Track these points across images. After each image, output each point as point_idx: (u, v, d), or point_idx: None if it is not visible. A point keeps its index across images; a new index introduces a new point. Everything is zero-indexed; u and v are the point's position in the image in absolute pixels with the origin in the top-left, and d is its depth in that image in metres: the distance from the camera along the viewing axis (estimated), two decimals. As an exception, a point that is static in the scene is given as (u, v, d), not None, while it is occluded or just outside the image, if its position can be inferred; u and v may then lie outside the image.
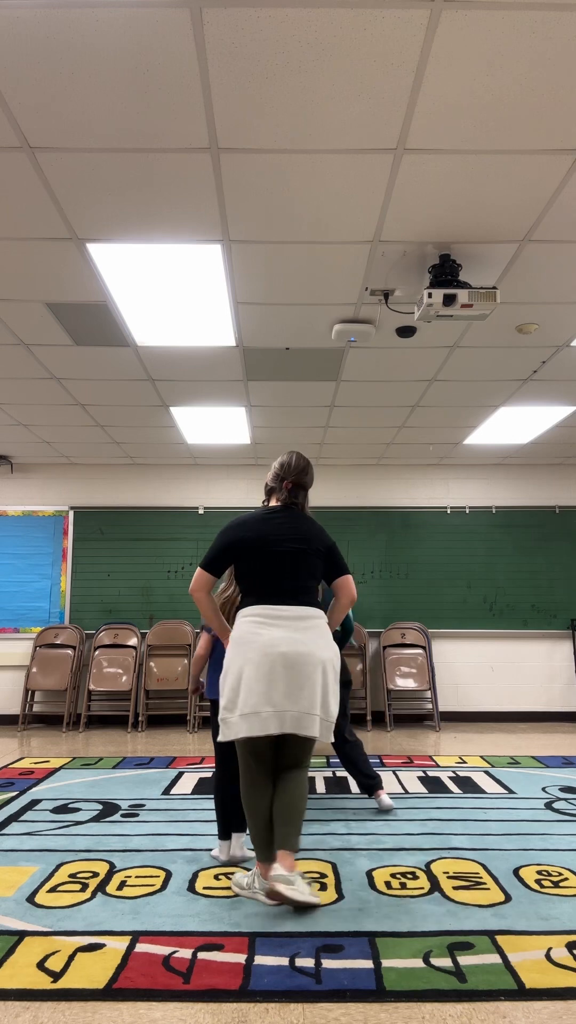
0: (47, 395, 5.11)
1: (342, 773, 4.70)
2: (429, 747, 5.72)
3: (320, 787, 4.34)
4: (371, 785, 3.85)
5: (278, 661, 2.63)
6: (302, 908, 2.57)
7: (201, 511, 7.31)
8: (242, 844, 3.11)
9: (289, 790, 2.71)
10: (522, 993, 2.04)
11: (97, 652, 6.88)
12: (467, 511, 7.36)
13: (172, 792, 4.27)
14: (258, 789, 2.73)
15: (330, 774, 4.69)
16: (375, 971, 2.16)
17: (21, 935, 2.42)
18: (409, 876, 2.92)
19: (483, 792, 4.25)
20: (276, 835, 2.65)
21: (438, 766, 4.94)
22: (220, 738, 2.72)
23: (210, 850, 3.21)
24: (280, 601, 2.76)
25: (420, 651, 6.93)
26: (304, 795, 2.73)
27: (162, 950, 2.31)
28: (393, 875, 2.93)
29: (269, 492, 3.04)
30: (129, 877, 2.93)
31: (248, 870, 2.92)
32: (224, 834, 3.09)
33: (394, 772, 4.74)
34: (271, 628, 2.70)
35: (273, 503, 3.00)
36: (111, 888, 2.81)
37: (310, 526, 2.91)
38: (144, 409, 5.45)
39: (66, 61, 2.05)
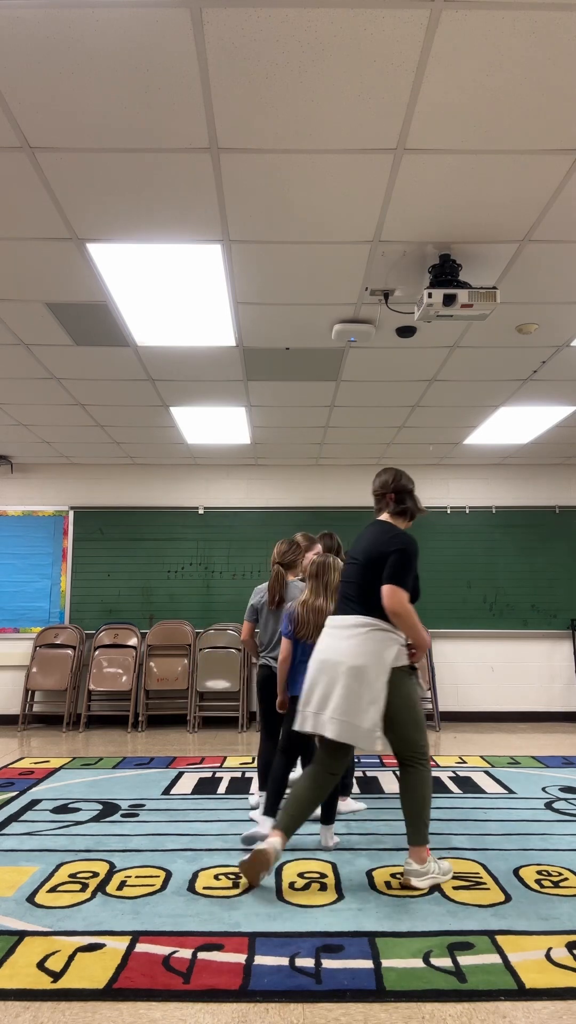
0: (47, 395, 5.11)
1: (342, 773, 4.70)
2: (429, 747, 5.71)
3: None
4: (345, 784, 3.86)
5: (316, 666, 2.92)
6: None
7: (201, 511, 7.31)
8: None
9: (411, 791, 2.91)
10: (522, 993, 2.04)
11: (97, 652, 6.88)
12: (467, 511, 7.36)
13: (172, 792, 4.27)
14: (315, 774, 2.96)
15: (330, 774, 4.69)
16: (375, 971, 2.16)
17: (21, 935, 2.42)
18: (409, 876, 2.92)
19: (483, 792, 4.25)
20: (281, 816, 2.91)
21: (438, 766, 4.94)
22: (295, 726, 2.99)
23: (211, 850, 3.22)
24: (336, 611, 3.06)
25: (420, 651, 6.92)
26: (422, 794, 2.89)
27: (162, 950, 2.31)
28: (393, 875, 2.93)
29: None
30: (129, 877, 2.93)
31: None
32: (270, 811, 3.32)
33: (394, 772, 4.74)
34: (324, 636, 3.00)
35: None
36: (111, 888, 2.82)
37: (370, 535, 3.05)
38: (144, 409, 5.45)
39: (66, 61, 2.05)
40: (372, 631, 2.85)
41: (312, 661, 2.97)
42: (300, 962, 2.22)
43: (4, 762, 5.18)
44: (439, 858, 3.03)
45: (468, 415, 5.64)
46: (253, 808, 3.81)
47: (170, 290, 3.47)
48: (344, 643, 2.87)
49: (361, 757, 5.25)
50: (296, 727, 2.95)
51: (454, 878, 2.90)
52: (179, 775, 4.70)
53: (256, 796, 3.88)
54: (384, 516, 3.13)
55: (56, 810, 3.91)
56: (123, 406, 5.38)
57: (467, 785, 4.42)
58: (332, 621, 3.00)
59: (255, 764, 4.74)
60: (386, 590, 2.84)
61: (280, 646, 3.46)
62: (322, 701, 2.85)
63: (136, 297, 3.53)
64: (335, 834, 3.35)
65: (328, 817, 3.31)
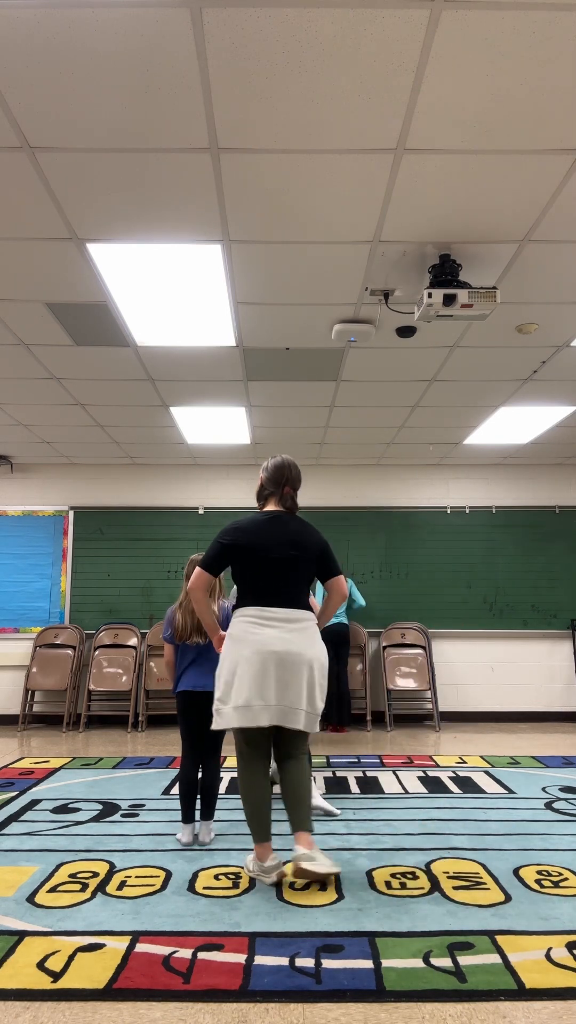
0: (47, 395, 5.11)
1: (342, 773, 4.70)
2: (429, 747, 5.72)
3: (321, 787, 4.34)
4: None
5: (270, 659, 2.83)
6: (325, 879, 2.81)
7: (201, 511, 7.31)
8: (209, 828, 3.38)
9: (291, 777, 2.94)
10: (522, 993, 2.04)
11: (97, 652, 6.88)
12: (467, 511, 7.36)
13: (172, 792, 4.26)
14: (254, 776, 2.95)
15: (330, 774, 4.69)
16: (375, 971, 2.16)
17: (21, 935, 2.42)
18: (409, 876, 2.92)
19: (483, 792, 4.25)
20: (291, 819, 2.90)
21: (438, 766, 4.94)
22: (213, 726, 2.95)
23: (211, 850, 3.22)
24: (275, 604, 2.95)
25: (420, 651, 6.93)
26: (304, 779, 2.95)
27: (162, 950, 2.31)
28: (393, 875, 2.93)
29: (266, 496, 3.14)
30: (129, 877, 2.93)
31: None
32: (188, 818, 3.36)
33: (394, 772, 4.74)
34: (265, 628, 2.90)
35: (270, 507, 3.12)
36: (111, 888, 2.81)
37: (305, 531, 3.08)
38: (144, 409, 5.45)
39: (66, 61, 2.05)
40: (312, 623, 2.98)
41: (252, 653, 2.83)
42: (300, 962, 2.22)
43: (4, 762, 5.18)
44: (429, 862, 3.02)
45: (468, 415, 5.64)
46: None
47: (170, 290, 3.47)
48: (295, 636, 2.88)
49: (361, 757, 5.25)
50: (238, 724, 2.83)
51: (454, 878, 2.90)
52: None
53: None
54: (271, 506, 3.11)
55: (56, 810, 3.91)
56: (123, 406, 5.38)
57: (467, 785, 4.41)
58: (275, 614, 2.91)
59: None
60: (340, 581, 3.11)
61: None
62: (280, 694, 2.82)
63: (136, 297, 3.53)
64: (336, 834, 3.34)
65: (208, 813, 3.38)
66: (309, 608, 3.03)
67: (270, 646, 2.85)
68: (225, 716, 2.86)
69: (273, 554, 2.96)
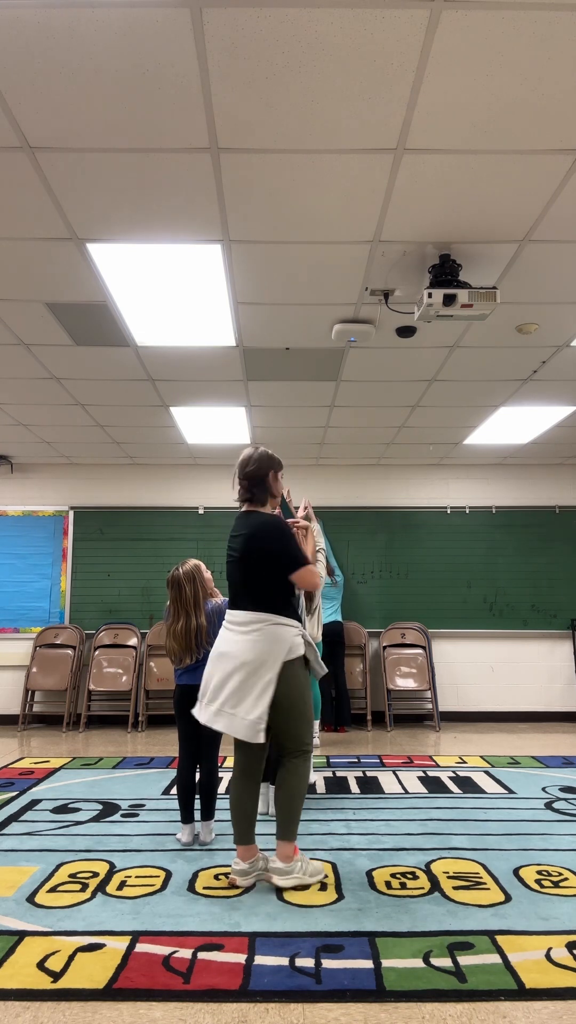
0: (47, 395, 5.11)
1: (342, 773, 4.70)
2: (429, 747, 5.72)
3: (320, 787, 4.34)
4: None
5: (214, 661, 2.92)
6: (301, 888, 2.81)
7: (201, 511, 7.31)
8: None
9: (279, 784, 2.92)
10: (522, 993, 2.04)
11: (97, 652, 6.88)
12: (467, 511, 7.36)
13: (172, 792, 4.26)
14: (237, 780, 2.96)
15: (330, 774, 4.69)
16: (375, 971, 2.16)
17: (21, 935, 2.42)
18: (409, 876, 2.92)
19: (483, 792, 4.25)
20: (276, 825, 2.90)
21: (438, 766, 4.94)
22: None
23: (211, 850, 3.22)
24: (233, 606, 2.99)
25: (420, 651, 6.93)
26: (291, 788, 2.88)
27: (162, 950, 2.31)
28: (393, 875, 2.93)
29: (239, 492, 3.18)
30: (129, 877, 2.93)
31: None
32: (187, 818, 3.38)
33: (394, 772, 4.74)
34: (224, 631, 2.96)
35: (244, 505, 3.17)
36: (111, 888, 2.82)
37: (255, 529, 3.00)
38: (144, 409, 5.45)
39: (66, 61, 2.05)
40: (266, 624, 2.85)
41: (212, 655, 2.96)
42: (300, 962, 2.22)
43: (4, 762, 5.18)
44: (429, 862, 3.02)
45: (468, 415, 5.64)
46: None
47: (170, 290, 3.47)
48: (242, 637, 2.86)
49: (361, 757, 5.25)
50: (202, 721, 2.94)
51: (454, 878, 2.90)
52: (179, 775, 4.70)
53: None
54: (246, 505, 3.13)
55: (56, 810, 3.91)
56: (123, 406, 5.38)
57: (467, 785, 4.41)
58: (233, 616, 2.94)
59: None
60: (302, 573, 2.93)
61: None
62: (214, 696, 2.87)
63: (136, 297, 3.53)
64: (335, 834, 3.34)
65: (208, 813, 3.37)
66: (272, 609, 2.89)
67: (218, 647, 2.94)
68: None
69: (233, 556, 3.02)
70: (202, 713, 2.92)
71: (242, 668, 2.81)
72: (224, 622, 2.99)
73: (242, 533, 3.02)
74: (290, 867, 2.81)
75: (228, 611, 2.99)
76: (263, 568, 2.93)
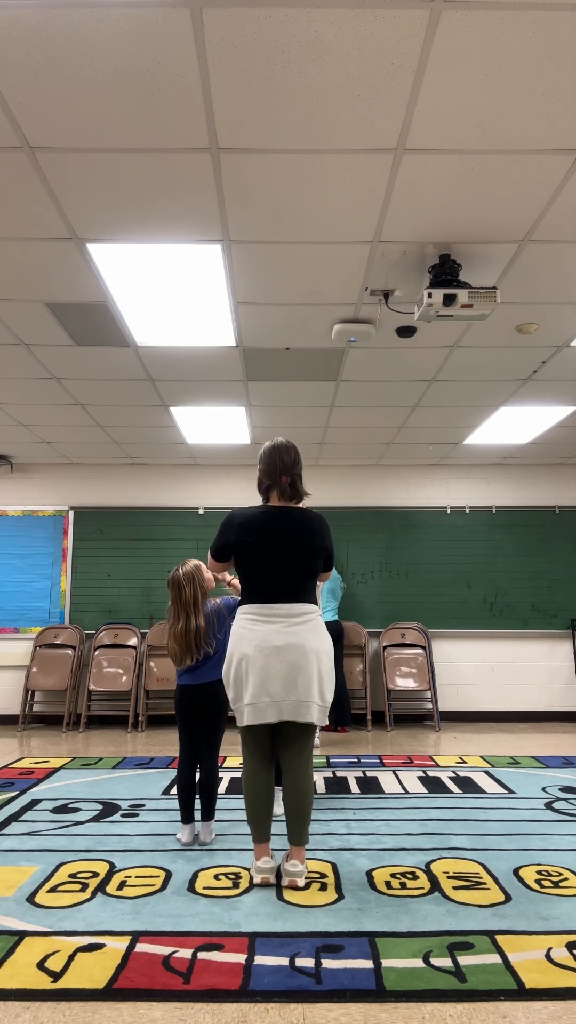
0: (47, 395, 5.11)
1: (342, 773, 4.70)
2: (429, 747, 5.72)
3: (320, 787, 4.34)
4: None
5: (273, 655, 2.81)
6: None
7: (201, 511, 7.31)
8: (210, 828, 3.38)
9: (292, 789, 2.88)
10: (522, 993, 2.04)
11: (97, 652, 6.88)
12: (467, 511, 7.36)
13: (172, 792, 4.26)
14: (256, 776, 2.93)
15: (330, 774, 4.69)
16: (375, 971, 2.16)
17: (21, 935, 2.42)
18: (409, 876, 2.92)
19: (483, 792, 4.25)
20: (287, 829, 2.89)
21: (438, 766, 4.94)
22: (237, 723, 2.90)
23: (211, 850, 3.22)
24: (276, 600, 2.91)
25: (420, 651, 6.93)
26: (307, 789, 2.89)
27: (162, 950, 2.31)
28: (393, 875, 2.93)
29: (266, 490, 3.08)
30: (129, 877, 2.93)
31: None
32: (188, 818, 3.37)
33: (394, 772, 4.74)
34: (266, 624, 2.87)
35: (273, 502, 3.05)
36: (111, 888, 2.81)
37: (310, 526, 2.99)
38: (144, 409, 5.45)
39: (66, 61, 2.05)
40: (316, 616, 2.95)
41: (254, 651, 2.82)
42: (300, 962, 2.22)
43: (4, 762, 5.18)
44: (429, 862, 3.02)
45: (468, 415, 5.64)
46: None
47: (170, 290, 3.47)
48: (296, 628, 2.85)
49: (361, 757, 5.25)
50: (248, 722, 2.83)
51: (454, 878, 2.90)
52: (179, 775, 4.70)
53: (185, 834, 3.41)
54: (275, 500, 3.05)
55: (56, 810, 3.91)
56: (123, 406, 5.38)
57: (467, 785, 4.41)
58: (276, 610, 2.88)
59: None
60: (328, 575, 3.18)
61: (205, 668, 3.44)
62: (288, 688, 2.79)
63: (136, 297, 3.53)
64: (335, 834, 3.34)
65: (209, 813, 3.36)
66: (314, 601, 2.99)
67: (271, 642, 2.82)
68: (241, 713, 2.86)
69: (278, 552, 2.92)
70: (268, 711, 2.79)
71: (312, 655, 2.83)
72: (256, 617, 2.89)
73: (288, 528, 2.95)
74: (304, 868, 2.85)
75: (265, 605, 2.89)
76: (316, 563, 3.00)
